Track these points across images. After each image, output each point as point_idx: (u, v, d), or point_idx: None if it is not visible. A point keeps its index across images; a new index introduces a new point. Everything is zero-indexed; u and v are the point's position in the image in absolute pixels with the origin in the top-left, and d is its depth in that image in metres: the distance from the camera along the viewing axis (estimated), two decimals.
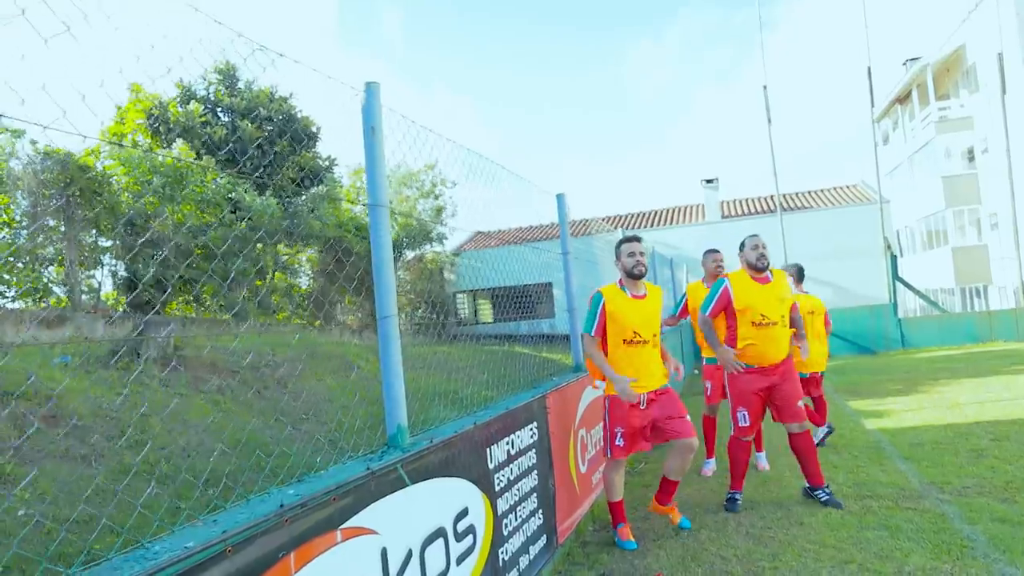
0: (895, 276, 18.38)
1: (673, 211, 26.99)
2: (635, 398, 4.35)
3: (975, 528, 4.27)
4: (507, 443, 3.83)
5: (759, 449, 6.47)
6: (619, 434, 4.53)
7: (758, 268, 5.07)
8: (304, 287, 18.39)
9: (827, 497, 5.03)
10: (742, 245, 5.30)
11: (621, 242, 4.66)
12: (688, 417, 4.54)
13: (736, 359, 5.02)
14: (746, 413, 5.03)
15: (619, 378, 4.36)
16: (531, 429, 4.23)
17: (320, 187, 13.88)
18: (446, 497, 3.05)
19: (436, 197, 23.44)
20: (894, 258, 18.53)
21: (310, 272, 17.34)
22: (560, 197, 5.87)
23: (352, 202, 22.69)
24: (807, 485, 5.19)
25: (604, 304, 4.52)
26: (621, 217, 27.92)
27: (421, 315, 22.01)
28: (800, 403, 5.05)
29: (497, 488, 3.60)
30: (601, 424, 6.11)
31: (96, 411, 7.33)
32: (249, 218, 12.64)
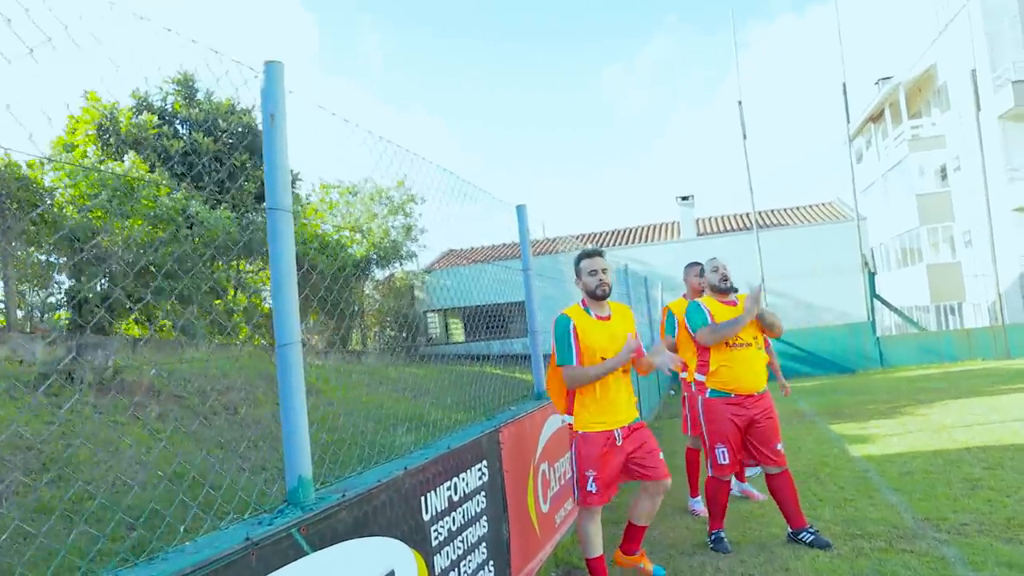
0: (873, 294, 18.14)
1: (648, 228, 26.67)
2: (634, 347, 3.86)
3: (980, 575, 3.80)
4: (448, 488, 3.29)
5: (741, 480, 5.98)
6: (591, 478, 3.89)
7: (722, 291, 4.72)
8: (267, 306, 17.72)
9: (812, 538, 4.53)
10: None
11: (580, 257, 4.09)
12: (662, 455, 4.05)
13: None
14: (725, 450, 4.52)
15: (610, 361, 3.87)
16: (480, 469, 3.70)
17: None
18: (363, 563, 2.51)
19: (406, 215, 22.93)
20: (872, 275, 18.30)
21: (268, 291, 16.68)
22: (520, 209, 5.40)
23: (319, 215, 22.11)
24: (790, 529, 4.68)
25: (575, 327, 3.96)
26: (595, 235, 27.55)
27: (390, 334, 21.41)
28: (779, 445, 4.58)
29: (434, 543, 3.06)
30: (568, 462, 5.59)
31: (15, 442, 6.66)
32: (200, 235, 12.02)
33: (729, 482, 4.62)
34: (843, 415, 10.18)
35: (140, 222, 12.16)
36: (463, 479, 3.47)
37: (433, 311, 24.92)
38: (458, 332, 24.76)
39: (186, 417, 8.81)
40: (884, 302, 19.41)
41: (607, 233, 27.23)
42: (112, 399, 8.24)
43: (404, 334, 22.32)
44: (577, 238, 26.66)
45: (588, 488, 3.90)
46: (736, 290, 4.77)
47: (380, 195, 22.15)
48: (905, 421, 8.98)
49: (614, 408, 3.92)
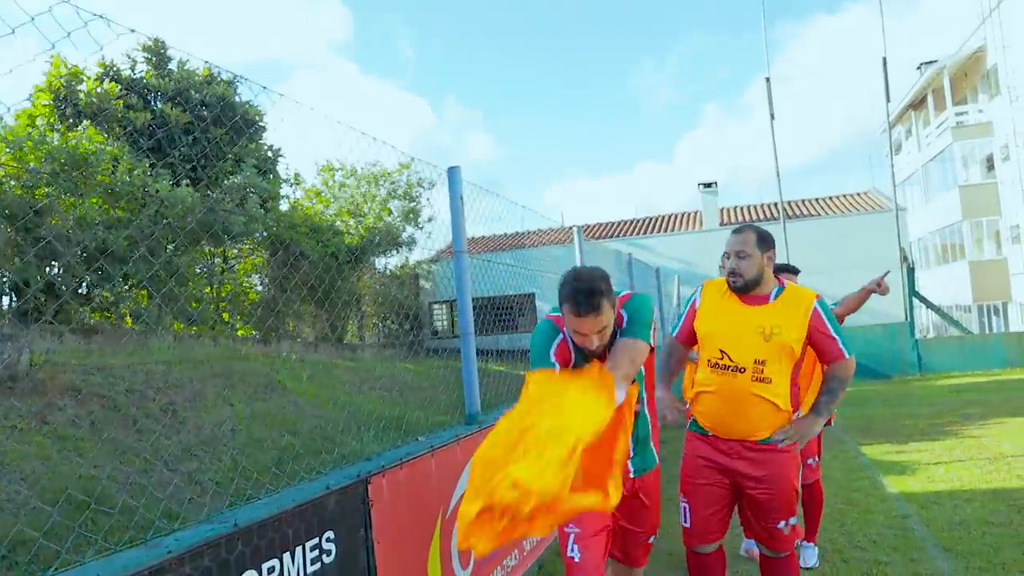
0: (912, 291, 16.50)
1: (668, 218, 25.06)
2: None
3: None
4: None
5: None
6: (572, 539, 2.63)
7: (735, 289, 3.06)
8: (257, 292, 16.68)
9: None
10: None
11: (562, 299, 2.45)
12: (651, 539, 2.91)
13: (673, 408, 3.13)
14: (687, 507, 3.06)
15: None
16: (320, 544, 2.44)
17: (236, 178, 12.11)
18: None
19: (413, 199, 21.75)
20: (911, 271, 16.65)
21: (243, 277, 15.60)
22: (452, 172, 4.11)
23: (324, 202, 21.01)
24: None
25: (558, 342, 2.65)
26: (611, 224, 26.03)
27: (391, 327, 20.27)
28: (785, 523, 2.98)
29: None
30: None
31: None
32: (162, 214, 10.89)
33: (713, 556, 3.12)
34: (876, 432, 8.74)
35: (96, 200, 11.08)
36: (280, 563, 2.21)
37: (439, 303, 23.71)
38: None
39: (112, 421, 7.68)
40: (924, 300, 17.72)
41: (624, 223, 25.72)
42: (18, 399, 7.13)
43: (407, 327, 21.17)
44: (592, 227, 25.21)
45: (569, 553, 2.64)
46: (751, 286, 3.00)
47: (383, 178, 20.99)
48: (951, 445, 7.53)
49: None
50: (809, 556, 4.26)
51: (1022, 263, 22.07)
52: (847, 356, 2.94)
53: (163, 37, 12.67)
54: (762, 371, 2.88)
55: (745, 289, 2.98)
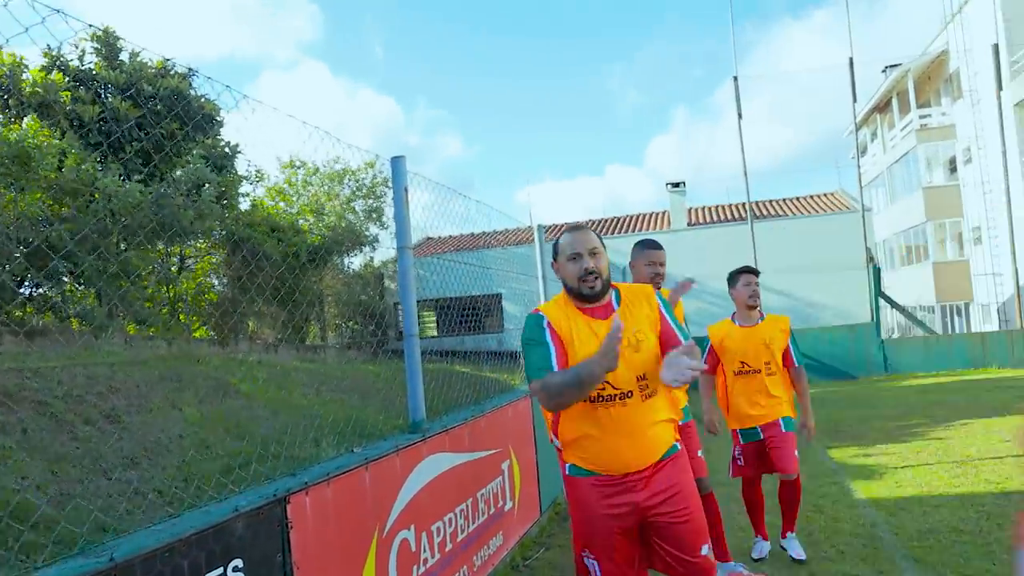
0: (878, 292, 16.53)
1: (636, 218, 24.90)
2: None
3: None
4: None
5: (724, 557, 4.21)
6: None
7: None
8: (216, 293, 16.19)
9: None
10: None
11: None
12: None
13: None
14: (596, 565, 2.53)
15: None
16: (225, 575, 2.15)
17: (181, 172, 11.67)
18: None
19: (378, 197, 21.37)
20: (877, 271, 16.68)
21: (201, 277, 15.14)
22: (396, 162, 3.83)
23: (287, 200, 20.53)
24: None
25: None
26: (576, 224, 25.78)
27: (354, 328, 19.86)
28: (708, 547, 2.53)
29: None
30: (469, 505, 4.04)
31: None
32: (110, 208, 10.43)
33: None
34: (844, 434, 8.62)
35: (38, 195, 10.59)
36: None
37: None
38: (431, 326, 23.16)
39: (46, 428, 7.24)
40: (890, 301, 17.78)
41: (592, 222, 25.55)
42: None
43: (371, 328, 20.77)
44: (560, 227, 24.99)
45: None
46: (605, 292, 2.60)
47: (347, 176, 20.59)
48: (918, 447, 7.40)
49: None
50: (796, 547, 4.33)
51: (983, 264, 22.35)
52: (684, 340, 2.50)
53: (119, 30, 12.20)
54: (647, 386, 2.48)
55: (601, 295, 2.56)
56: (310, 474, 2.69)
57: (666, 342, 2.51)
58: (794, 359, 4.35)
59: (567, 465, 2.60)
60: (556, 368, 2.40)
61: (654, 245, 3.91)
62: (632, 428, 2.45)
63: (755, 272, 4.35)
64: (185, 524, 2.10)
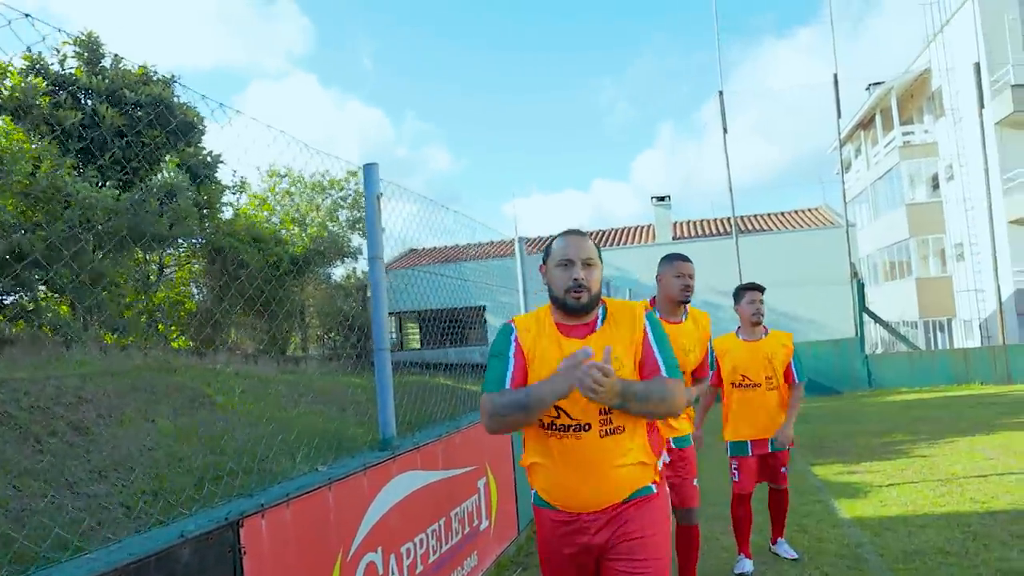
0: (862, 307, 16.54)
1: (620, 232, 24.90)
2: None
3: None
4: None
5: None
6: None
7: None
8: (194, 302, 15.97)
9: None
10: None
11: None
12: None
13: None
14: None
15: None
16: None
17: (161, 177, 11.49)
18: None
19: (362, 208, 21.22)
20: (861, 286, 16.70)
21: (180, 286, 14.92)
22: (368, 169, 3.73)
23: (269, 209, 20.33)
24: None
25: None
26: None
27: (335, 340, 19.65)
28: None
29: None
30: (440, 525, 3.89)
31: None
32: (86, 215, 10.23)
33: None
34: (828, 451, 8.53)
35: (12, 200, 10.38)
36: None
37: (389, 314, 23.17)
38: (414, 338, 22.97)
39: (9, 440, 7.01)
40: (874, 316, 17.81)
41: None
42: None
43: (353, 339, 20.57)
44: (544, 240, 24.91)
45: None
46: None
47: (332, 186, 20.43)
48: (903, 465, 7.33)
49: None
50: (787, 549, 4.61)
51: (966, 280, 22.48)
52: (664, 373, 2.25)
53: (108, 38, 12.05)
54: (610, 421, 2.21)
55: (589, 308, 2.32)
56: (267, 495, 2.54)
57: (643, 368, 2.26)
58: (795, 375, 4.48)
59: (533, 492, 2.43)
60: (508, 385, 2.24)
61: (683, 258, 3.71)
62: (587, 464, 2.21)
63: (760, 289, 4.49)
64: (123, 552, 1.95)
